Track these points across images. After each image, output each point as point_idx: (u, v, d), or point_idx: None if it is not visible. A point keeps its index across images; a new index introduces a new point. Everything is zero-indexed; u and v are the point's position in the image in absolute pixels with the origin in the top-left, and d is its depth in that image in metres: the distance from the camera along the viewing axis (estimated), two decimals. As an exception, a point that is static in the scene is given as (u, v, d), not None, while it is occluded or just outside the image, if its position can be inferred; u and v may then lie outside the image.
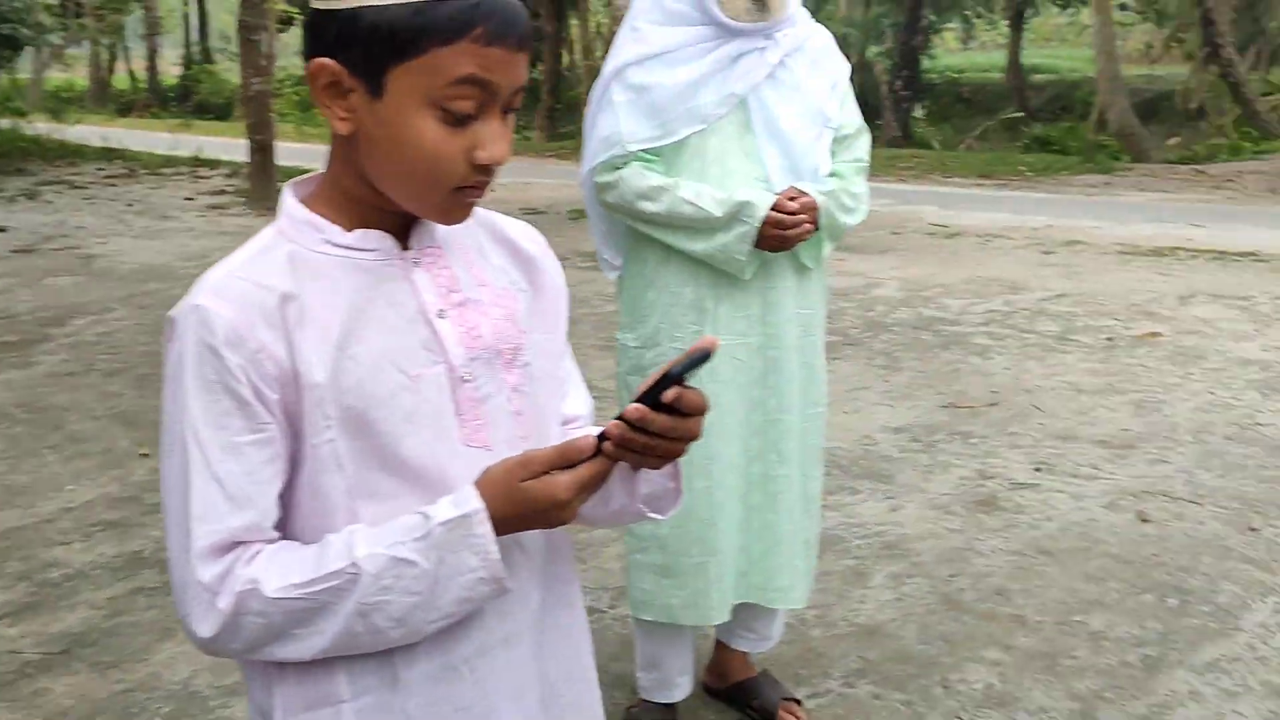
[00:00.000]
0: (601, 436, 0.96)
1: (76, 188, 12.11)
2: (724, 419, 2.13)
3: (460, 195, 0.97)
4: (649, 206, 2.13)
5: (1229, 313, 6.47)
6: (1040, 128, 20.24)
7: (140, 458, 4.09)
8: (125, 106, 28.68)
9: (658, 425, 0.94)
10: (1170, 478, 3.86)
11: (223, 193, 12.07)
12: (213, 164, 14.31)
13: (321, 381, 0.94)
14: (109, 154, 15.02)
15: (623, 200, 2.16)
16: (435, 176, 0.95)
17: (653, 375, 0.97)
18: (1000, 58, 40.32)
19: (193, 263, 8.04)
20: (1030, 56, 33.12)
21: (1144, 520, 3.50)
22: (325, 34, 0.94)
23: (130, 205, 10.98)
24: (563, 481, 0.95)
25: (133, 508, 3.64)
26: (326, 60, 0.94)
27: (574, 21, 23.59)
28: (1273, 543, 3.33)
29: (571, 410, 1.16)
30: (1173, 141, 17.94)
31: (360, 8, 0.91)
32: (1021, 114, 22.31)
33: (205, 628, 0.93)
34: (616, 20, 9.29)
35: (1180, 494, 3.71)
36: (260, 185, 10.95)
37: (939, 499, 3.69)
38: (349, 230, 1.00)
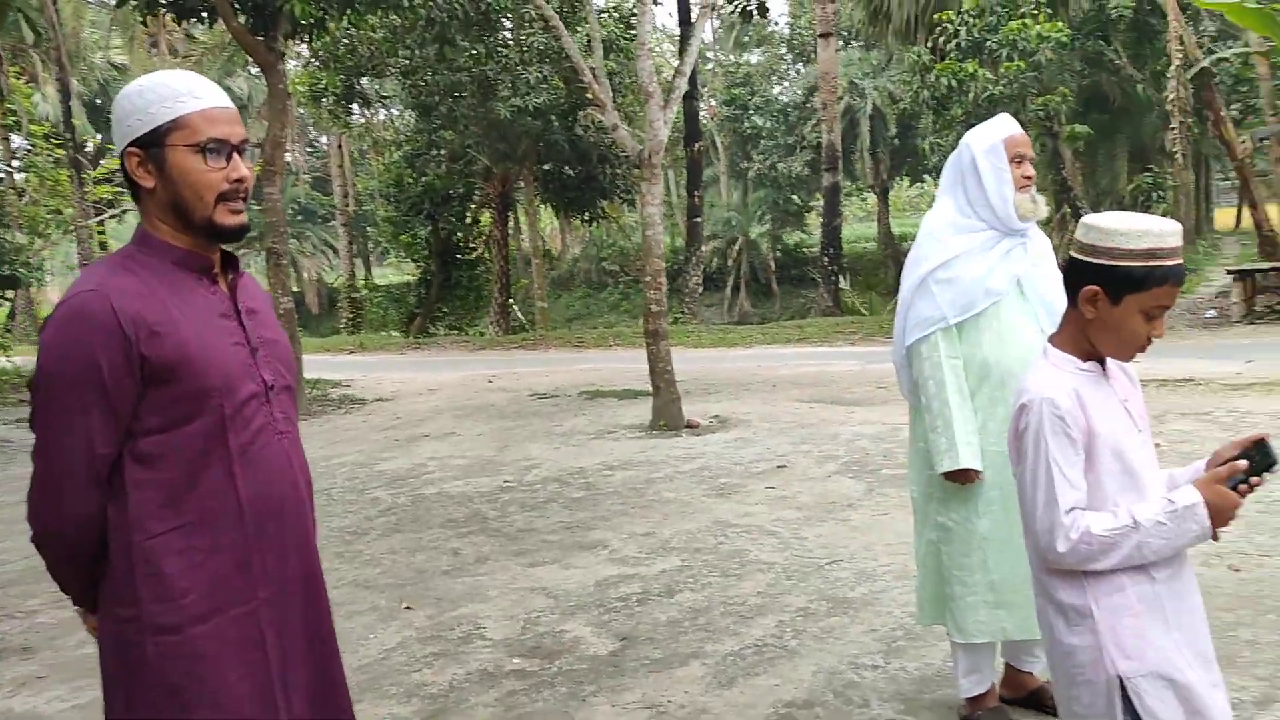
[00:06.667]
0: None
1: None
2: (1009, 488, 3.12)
3: None
4: (931, 395, 3.18)
5: (1200, 424, 7.80)
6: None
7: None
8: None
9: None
10: (1236, 542, 4.96)
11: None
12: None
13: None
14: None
15: (923, 374, 3.21)
16: None
17: (1232, 450, 1.93)
18: (863, 229, 43.84)
19: None
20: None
21: (1235, 570, 4.58)
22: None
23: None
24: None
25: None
26: None
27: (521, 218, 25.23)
28: (1337, 575, 4.45)
29: None
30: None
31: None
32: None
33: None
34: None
35: (1250, 552, 4.82)
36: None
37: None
38: None
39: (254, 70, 28.01)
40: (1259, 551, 4.81)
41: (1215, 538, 1.93)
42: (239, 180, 1.81)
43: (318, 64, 18.91)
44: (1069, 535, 1.91)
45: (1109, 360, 2.08)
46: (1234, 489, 1.91)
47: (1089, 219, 2.03)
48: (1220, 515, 1.90)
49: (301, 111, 26.80)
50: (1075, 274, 2.03)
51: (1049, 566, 1.99)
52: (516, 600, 4.94)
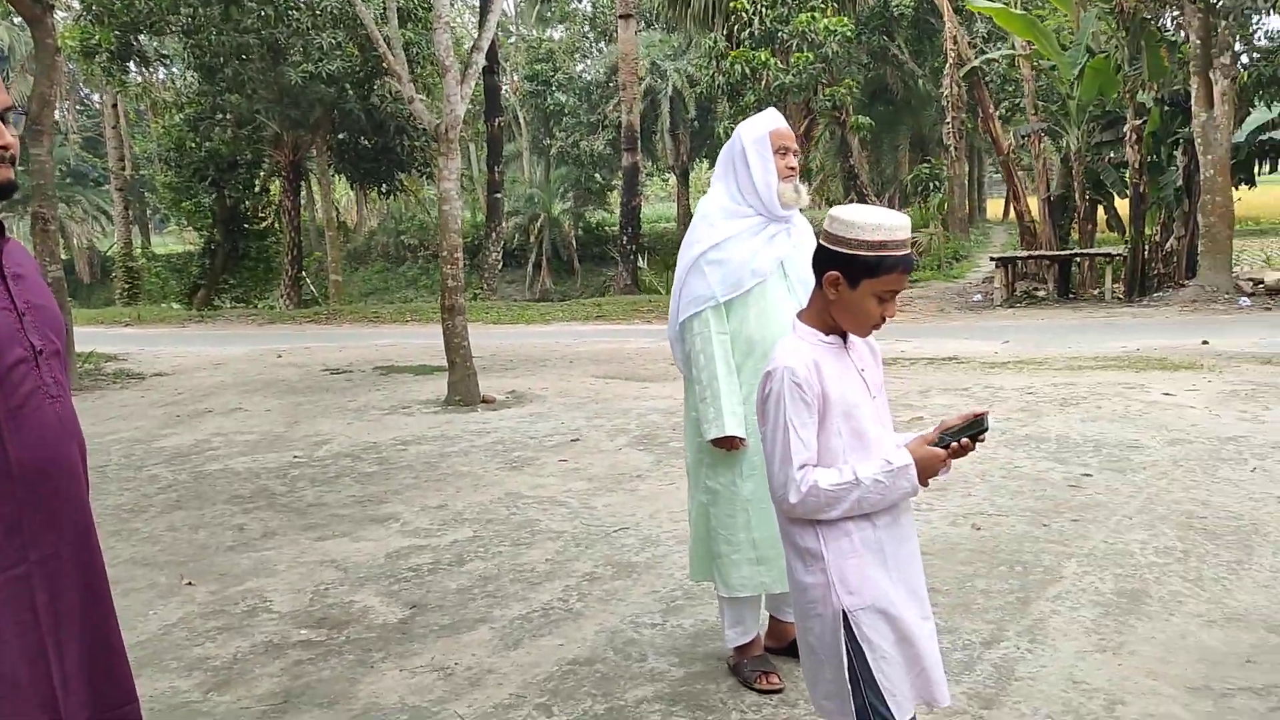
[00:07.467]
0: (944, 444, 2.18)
1: None
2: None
3: None
4: (701, 368, 3.42)
5: (959, 399, 8.48)
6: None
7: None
8: None
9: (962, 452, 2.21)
10: (980, 504, 5.49)
11: None
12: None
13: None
14: None
15: (694, 348, 3.45)
16: None
17: (958, 421, 2.21)
18: (664, 209, 44.81)
19: None
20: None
21: (977, 529, 5.07)
22: None
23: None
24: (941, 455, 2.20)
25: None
26: None
27: (315, 188, 24.39)
28: (1061, 531, 4.99)
29: None
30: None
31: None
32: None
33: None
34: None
35: (991, 512, 5.34)
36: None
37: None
38: None
39: (18, 20, 25.95)
40: (998, 512, 5.34)
41: (925, 485, 2.22)
42: (2, 147, 1.80)
43: (90, 18, 17.73)
44: (799, 488, 2.15)
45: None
46: (946, 447, 2.19)
47: (834, 211, 2.26)
48: (927, 471, 2.18)
49: (72, 67, 25.05)
50: (820, 259, 2.25)
51: (787, 516, 2.22)
52: (305, 574, 4.92)
